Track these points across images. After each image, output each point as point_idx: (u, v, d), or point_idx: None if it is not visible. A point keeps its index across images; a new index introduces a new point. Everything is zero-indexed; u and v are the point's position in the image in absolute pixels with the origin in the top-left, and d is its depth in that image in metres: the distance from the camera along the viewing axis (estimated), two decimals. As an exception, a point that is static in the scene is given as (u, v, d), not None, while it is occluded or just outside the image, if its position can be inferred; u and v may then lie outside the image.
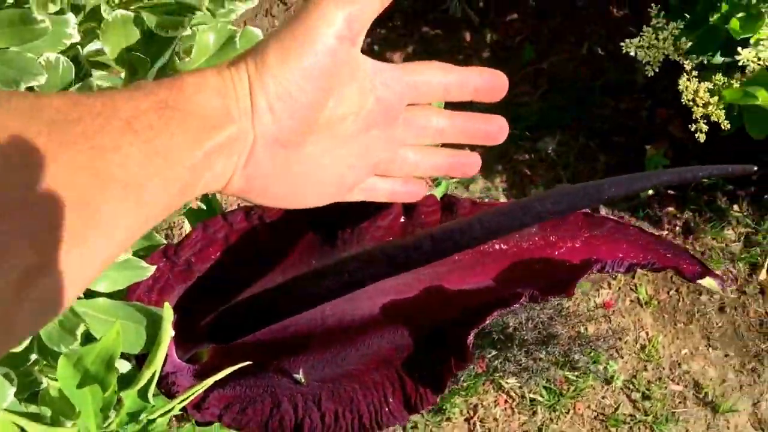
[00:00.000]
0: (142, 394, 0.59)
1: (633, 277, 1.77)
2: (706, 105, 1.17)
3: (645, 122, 1.93)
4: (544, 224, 0.71)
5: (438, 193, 0.85)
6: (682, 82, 1.20)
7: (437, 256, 0.58)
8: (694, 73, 1.19)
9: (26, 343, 0.53)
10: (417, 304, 0.70)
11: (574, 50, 1.96)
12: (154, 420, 0.59)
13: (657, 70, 1.31)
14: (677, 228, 1.85)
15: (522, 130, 1.85)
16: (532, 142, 1.85)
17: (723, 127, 1.17)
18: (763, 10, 1.15)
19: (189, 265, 0.71)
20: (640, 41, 1.29)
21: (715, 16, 1.21)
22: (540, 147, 1.85)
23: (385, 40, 1.83)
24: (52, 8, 0.56)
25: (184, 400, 0.59)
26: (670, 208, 1.87)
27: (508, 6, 1.96)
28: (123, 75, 0.65)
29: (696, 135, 1.21)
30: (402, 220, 0.69)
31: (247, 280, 0.73)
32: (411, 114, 0.51)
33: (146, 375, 0.57)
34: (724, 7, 1.19)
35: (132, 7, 0.63)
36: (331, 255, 0.70)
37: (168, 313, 0.57)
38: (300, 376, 0.68)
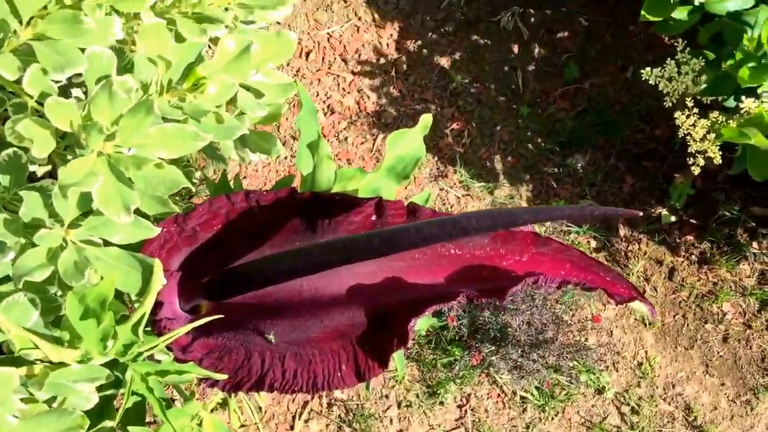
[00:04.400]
0: (134, 330, 0.73)
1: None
2: (702, 140, 1.24)
3: (677, 151, 1.98)
4: (496, 238, 0.82)
5: (420, 199, 0.96)
6: (680, 116, 1.28)
7: (383, 252, 0.69)
8: (695, 109, 1.27)
9: (47, 274, 0.67)
10: (377, 291, 0.82)
11: (618, 74, 2.03)
12: (142, 352, 0.73)
13: (675, 101, 1.39)
14: (693, 256, 1.90)
15: (554, 144, 1.93)
16: (562, 157, 1.93)
17: (715, 162, 1.25)
18: (773, 62, 1.22)
19: (195, 232, 0.85)
20: (661, 71, 1.36)
21: (729, 62, 1.28)
22: (569, 163, 1.93)
23: (435, 44, 1.94)
24: (100, 13, 0.70)
25: (168, 339, 0.73)
26: (690, 237, 1.93)
27: (559, 23, 2.04)
28: (160, 71, 0.78)
29: (692, 168, 1.29)
30: (373, 218, 0.82)
31: (242, 250, 0.86)
32: None
33: (137, 315, 0.71)
34: (738, 55, 1.26)
35: (167, 16, 0.76)
36: (311, 239, 0.83)
37: (158, 266, 0.70)
38: (272, 336, 0.81)
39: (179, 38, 0.79)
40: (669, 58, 1.40)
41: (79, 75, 0.71)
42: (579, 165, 1.94)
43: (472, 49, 1.96)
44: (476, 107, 1.92)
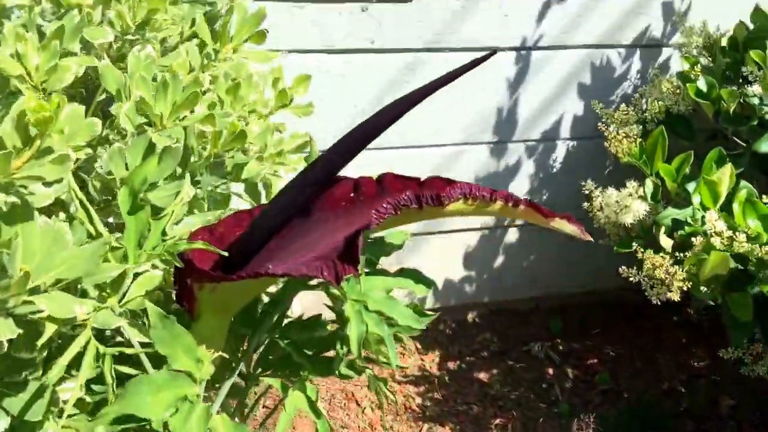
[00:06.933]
0: (162, 231, 0.98)
1: None
2: (668, 272, 1.43)
3: (731, 439, 1.97)
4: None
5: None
6: (637, 248, 1.48)
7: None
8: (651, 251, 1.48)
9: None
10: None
11: (653, 385, 2.15)
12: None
13: (659, 302, 1.58)
14: None
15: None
16: (613, 446, 1.94)
17: (684, 288, 1.40)
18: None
19: (222, 236, 1.12)
20: (637, 272, 1.60)
21: (680, 233, 1.55)
22: (622, 452, 1.93)
23: (473, 364, 2.17)
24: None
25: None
26: None
27: (588, 352, 2.27)
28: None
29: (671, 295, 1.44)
30: (351, 194, 1.09)
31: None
32: None
33: (169, 211, 0.97)
34: (687, 229, 1.54)
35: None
36: (307, 218, 1.09)
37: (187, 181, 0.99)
38: (270, 266, 1.01)
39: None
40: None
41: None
42: (632, 453, 1.93)
43: (509, 369, 2.17)
44: (517, 409, 2.04)
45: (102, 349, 0.93)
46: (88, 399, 1.07)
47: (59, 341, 0.95)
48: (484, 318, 2.33)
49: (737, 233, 1.41)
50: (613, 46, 2.05)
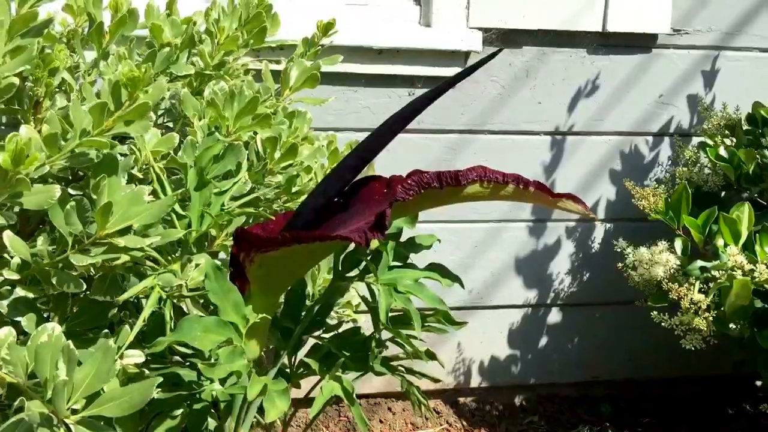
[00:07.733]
0: (223, 203, 1.15)
1: None
2: (693, 301, 1.49)
3: None
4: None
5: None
6: (668, 285, 1.55)
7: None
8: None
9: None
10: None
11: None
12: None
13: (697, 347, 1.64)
14: None
15: None
16: None
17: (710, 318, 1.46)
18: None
19: (272, 231, 1.29)
20: (670, 319, 1.67)
21: (705, 275, 1.63)
22: None
23: (517, 443, 2.18)
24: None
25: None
26: None
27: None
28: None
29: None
30: (384, 190, 1.25)
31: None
32: None
33: (229, 187, 1.15)
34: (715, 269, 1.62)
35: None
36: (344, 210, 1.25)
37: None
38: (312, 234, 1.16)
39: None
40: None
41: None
42: None
43: (556, 451, 2.16)
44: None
45: (165, 294, 1.08)
46: (146, 371, 1.20)
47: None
48: (531, 401, 2.35)
49: (757, 265, 1.49)
50: (642, 134, 2.21)
